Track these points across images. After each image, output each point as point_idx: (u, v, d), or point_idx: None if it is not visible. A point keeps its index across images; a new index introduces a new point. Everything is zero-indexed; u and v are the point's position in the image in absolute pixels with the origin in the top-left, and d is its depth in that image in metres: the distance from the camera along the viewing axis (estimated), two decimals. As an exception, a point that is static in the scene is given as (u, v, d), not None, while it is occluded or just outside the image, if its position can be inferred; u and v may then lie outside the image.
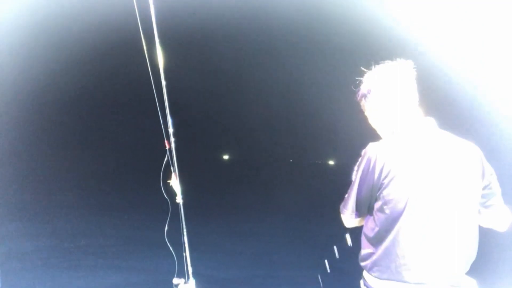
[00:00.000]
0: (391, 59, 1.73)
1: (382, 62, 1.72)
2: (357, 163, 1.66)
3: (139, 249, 6.97)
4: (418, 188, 1.54)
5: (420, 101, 1.77)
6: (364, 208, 1.66)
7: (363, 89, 1.74)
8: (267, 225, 8.47)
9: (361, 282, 1.69)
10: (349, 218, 1.70)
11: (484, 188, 1.65)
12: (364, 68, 1.76)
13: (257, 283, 5.41)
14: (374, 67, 1.73)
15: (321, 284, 4.51)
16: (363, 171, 1.61)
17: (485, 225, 1.73)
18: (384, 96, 1.69)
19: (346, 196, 1.70)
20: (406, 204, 1.53)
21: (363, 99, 1.76)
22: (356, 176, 1.65)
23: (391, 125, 1.71)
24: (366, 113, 1.79)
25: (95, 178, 11.26)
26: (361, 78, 1.75)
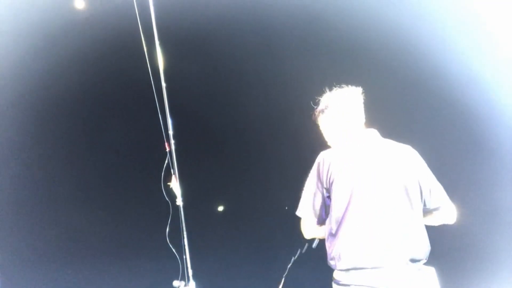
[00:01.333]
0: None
1: (339, 86, 2.04)
2: (311, 171, 1.90)
3: (139, 251, 6.96)
4: (359, 186, 1.77)
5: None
6: (321, 212, 1.87)
7: (321, 106, 2.06)
8: (268, 227, 8.46)
9: (332, 283, 1.86)
10: (307, 223, 1.91)
11: (425, 190, 1.87)
12: (324, 89, 2.08)
13: (258, 285, 5.40)
14: (330, 89, 2.06)
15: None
16: (314, 176, 1.87)
17: (437, 224, 1.98)
18: (337, 112, 2.00)
19: (301, 201, 1.92)
20: (350, 201, 1.77)
21: (320, 114, 2.07)
22: (308, 181, 1.90)
23: (340, 138, 2.00)
24: (321, 128, 2.10)
25: (94, 180, 11.24)
26: (320, 98, 2.08)
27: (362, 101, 2.04)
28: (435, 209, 1.91)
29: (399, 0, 4.37)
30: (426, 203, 1.89)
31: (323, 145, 2.03)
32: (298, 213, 1.94)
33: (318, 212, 1.88)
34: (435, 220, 1.97)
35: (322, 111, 2.06)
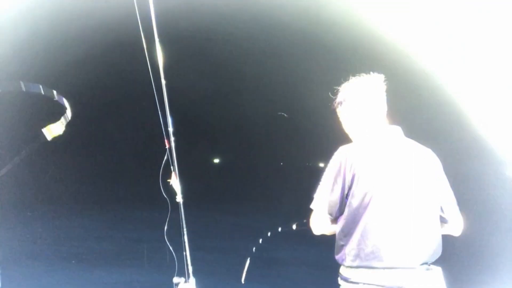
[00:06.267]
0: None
1: (358, 74, 1.93)
2: (329, 165, 1.84)
3: (139, 248, 6.97)
4: (381, 185, 1.74)
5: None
6: (336, 208, 1.81)
7: (339, 97, 1.97)
8: (268, 224, 8.47)
9: (338, 278, 1.84)
10: (320, 218, 1.85)
11: (443, 198, 1.86)
12: (343, 80, 1.97)
13: (257, 281, 5.41)
14: (351, 78, 1.96)
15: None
16: (334, 171, 1.80)
17: (444, 233, 1.91)
18: (356, 105, 1.92)
19: (317, 194, 1.85)
20: (370, 199, 1.72)
21: (338, 106, 1.98)
22: (327, 175, 1.83)
23: (361, 130, 1.92)
24: (341, 120, 2.02)
25: (94, 177, 11.23)
26: (339, 88, 1.97)
27: (384, 89, 1.93)
28: (445, 220, 1.88)
29: (401, 2, 4.37)
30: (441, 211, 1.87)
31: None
32: (313, 206, 1.86)
33: (333, 208, 1.81)
34: (442, 230, 1.92)
35: (340, 103, 1.97)
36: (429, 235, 1.78)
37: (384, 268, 1.71)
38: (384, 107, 1.93)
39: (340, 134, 2.07)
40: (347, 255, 1.77)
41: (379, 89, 1.91)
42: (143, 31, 2.09)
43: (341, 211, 1.81)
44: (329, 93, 2.00)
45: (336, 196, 1.79)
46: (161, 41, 2.07)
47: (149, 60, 2.10)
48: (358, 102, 1.91)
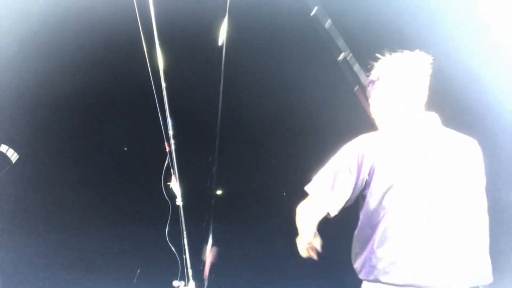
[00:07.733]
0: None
1: (400, 50, 1.58)
2: (340, 152, 1.52)
3: (139, 251, 6.96)
4: (406, 181, 1.41)
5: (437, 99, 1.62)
6: (340, 207, 1.51)
7: (373, 75, 1.64)
8: (268, 227, 8.47)
9: None
10: (317, 206, 1.55)
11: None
12: (379, 54, 1.64)
13: (258, 285, 5.40)
14: (390, 54, 1.61)
15: None
16: (348, 160, 1.48)
17: None
18: (392, 84, 1.57)
19: (317, 177, 1.53)
20: (392, 199, 1.40)
21: (370, 85, 1.66)
22: (337, 161, 1.50)
23: (390, 116, 1.58)
24: (370, 101, 1.70)
25: (94, 180, 11.21)
26: (374, 64, 1.64)
27: (429, 73, 1.56)
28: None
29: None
30: None
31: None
32: (311, 189, 1.53)
33: (338, 206, 1.49)
34: None
35: (373, 82, 1.63)
36: (473, 247, 1.41)
37: (406, 285, 1.37)
38: (425, 94, 1.57)
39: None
40: (363, 266, 1.45)
41: (423, 70, 1.55)
42: (143, 33, 2.08)
43: (345, 204, 1.51)
44: (364, 72, 1.77)
45: (347, 191, 1.46)
46: (161, 43, 2.07)
47: (149, 63, 2.10)
48: (395, 81, 1.56)
